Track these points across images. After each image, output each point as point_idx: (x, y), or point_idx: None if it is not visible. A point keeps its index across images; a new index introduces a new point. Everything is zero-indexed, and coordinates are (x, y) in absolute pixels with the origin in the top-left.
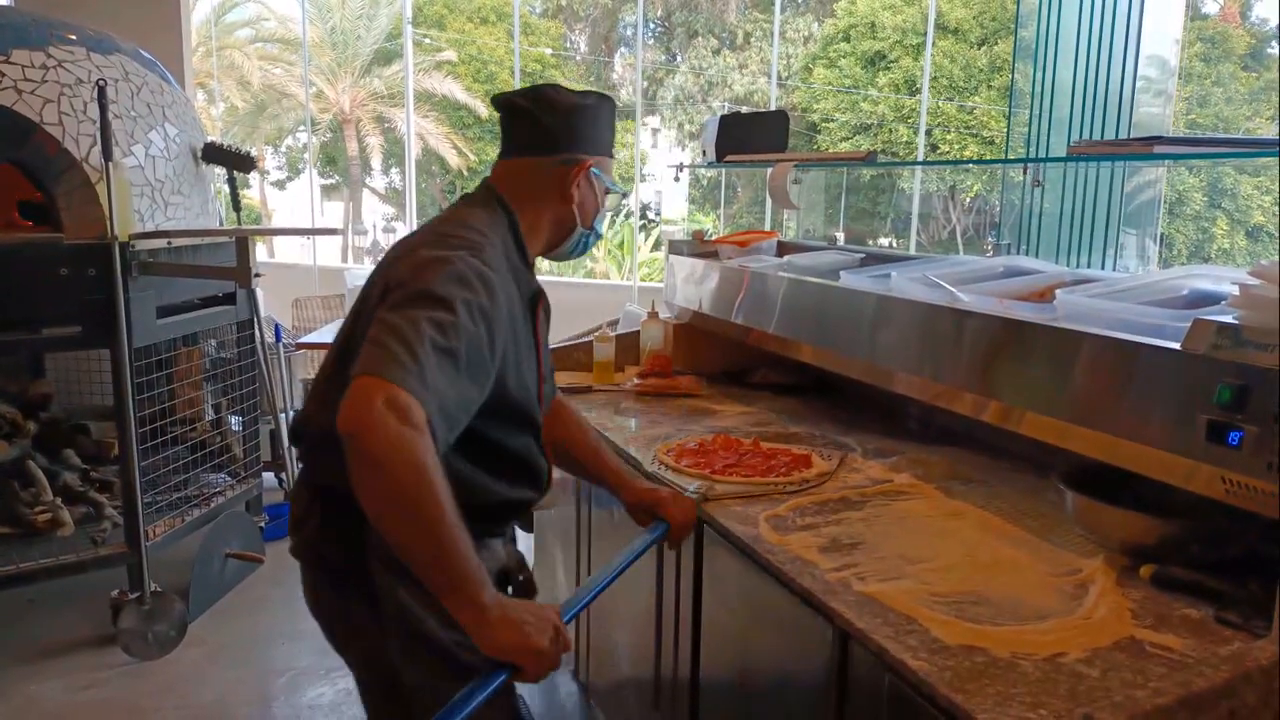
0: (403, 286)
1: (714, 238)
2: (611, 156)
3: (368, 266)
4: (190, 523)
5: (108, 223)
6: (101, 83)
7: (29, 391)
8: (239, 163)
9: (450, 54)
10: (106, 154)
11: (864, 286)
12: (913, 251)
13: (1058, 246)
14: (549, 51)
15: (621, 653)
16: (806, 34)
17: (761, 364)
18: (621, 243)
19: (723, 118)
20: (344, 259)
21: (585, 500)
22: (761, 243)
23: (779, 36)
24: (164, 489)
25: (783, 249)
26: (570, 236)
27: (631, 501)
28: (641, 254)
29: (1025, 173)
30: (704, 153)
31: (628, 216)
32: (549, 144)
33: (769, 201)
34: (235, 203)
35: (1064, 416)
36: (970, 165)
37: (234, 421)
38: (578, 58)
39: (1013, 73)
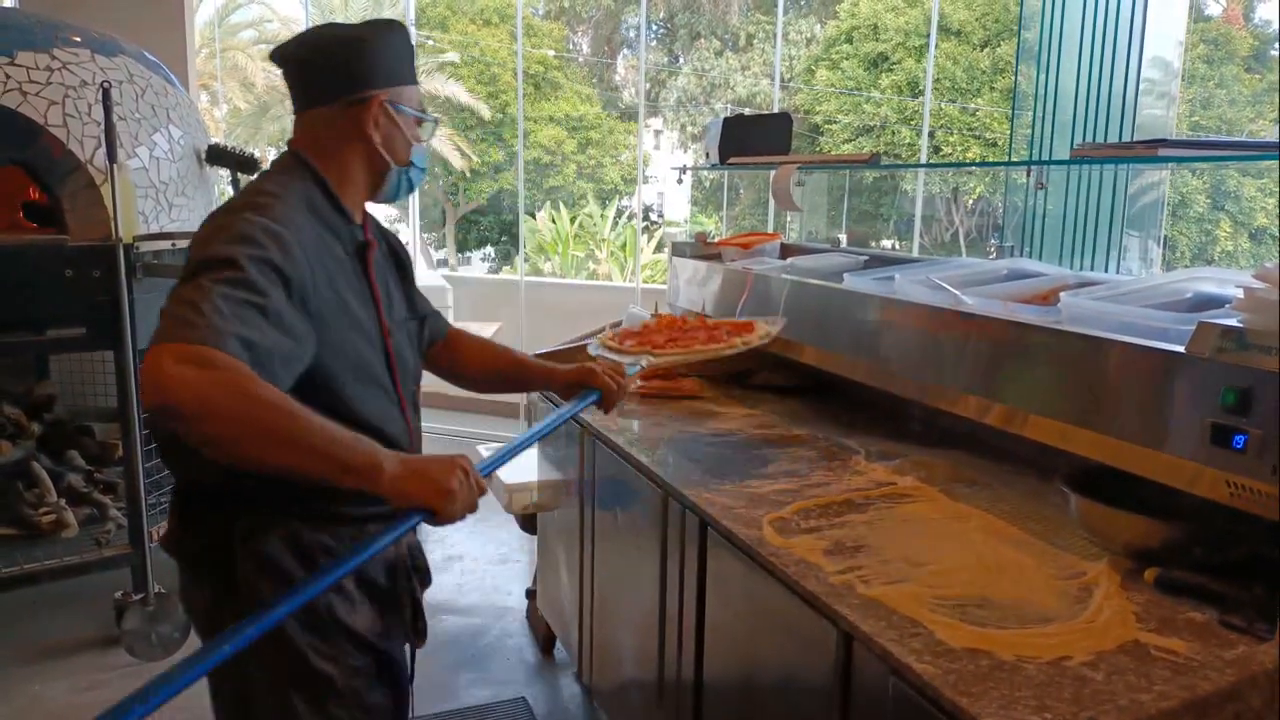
0: (189, 262)
1: (717, 240)
2: (412, 84)
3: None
4: None
5: (112, 224)
6: (106, 85)
7: (33, 393)
8: (242, 164)
9: (453, 56)
10: (111, 156)
11: (868, 289)
12: (916, 254)
13: (1061, 249)
14: (551, 53)
15: (625, 654)
16: (809, 35)
17: (763, 366)
18: (624, 244)
19: (726, 120)
20: None
21: (589, 501)
22: (765, 245)
23: (781, 38)
24: (167, 490)
25: (786, 251)
26: (387, 178)
27: (562, 384)
28: (644, 256)
29: (1029, 175)
30: (707, 155)
31: (630, 218)
32: (333, 88)
33: (771, 203)
34: None
35: (1068, 419)
36: (974, 168)
37: None
38: (580, 59)
39: (1016, 75)
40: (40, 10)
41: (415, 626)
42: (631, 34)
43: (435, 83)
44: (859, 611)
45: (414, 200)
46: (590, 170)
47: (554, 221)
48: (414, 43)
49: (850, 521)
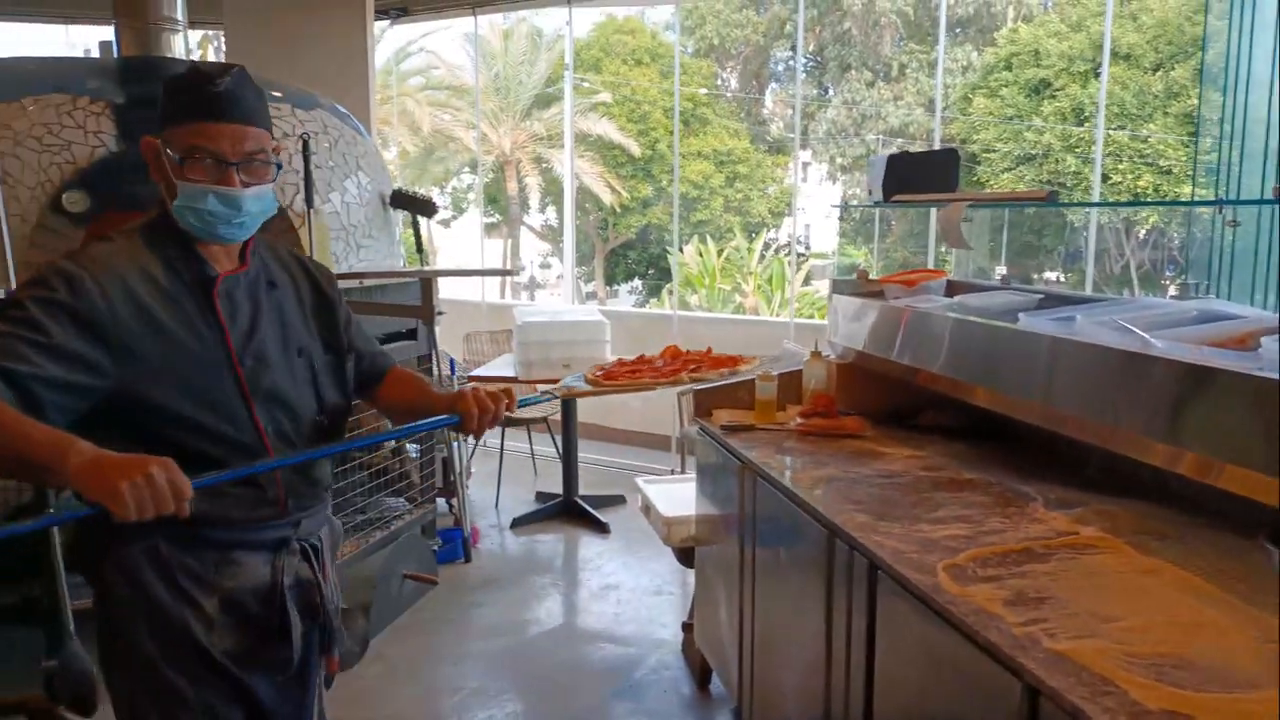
0: None
1: (865, 271)
2: (187, 124)
3: (534, 303)
4: (373, 544)
5: None
6: (306, 137)
7: None
8: (422, 207)
9: (605, 95)
10: (309, 201)
11: (1046, 330)
12: (1089, 290)
13: (1253, 288)
14: (703, 91)
15: (788, 694)
16: (965, 63)
17: (928, 406)
18: (771, 278)
19: (890, 157)
20: (502, 295)
21: (749, 538)
22: (930, 282)
23: (935, 66)
24: (349, 511)
25: (952, 288)
26: (176, 213)
27: (443, 409)
28: (793, 289)
29: (1220, 212)
30: (870, 192)
31: (777, 251)
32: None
33: (932, 236)
34: (419, 245)
35: (1271, 472)
36: (1162, 206)
37: (411, 450)
38: (728, 95)
39: (1200, 100)
40: (250, 69)
41: (305, 659)
42: (780, 68)
43: (588, 122)
44: (1045, 666)
45: (568, 235)
46: (737, 204)
47: (701, 255)
48: (215, 85)
49: (1031, 571)
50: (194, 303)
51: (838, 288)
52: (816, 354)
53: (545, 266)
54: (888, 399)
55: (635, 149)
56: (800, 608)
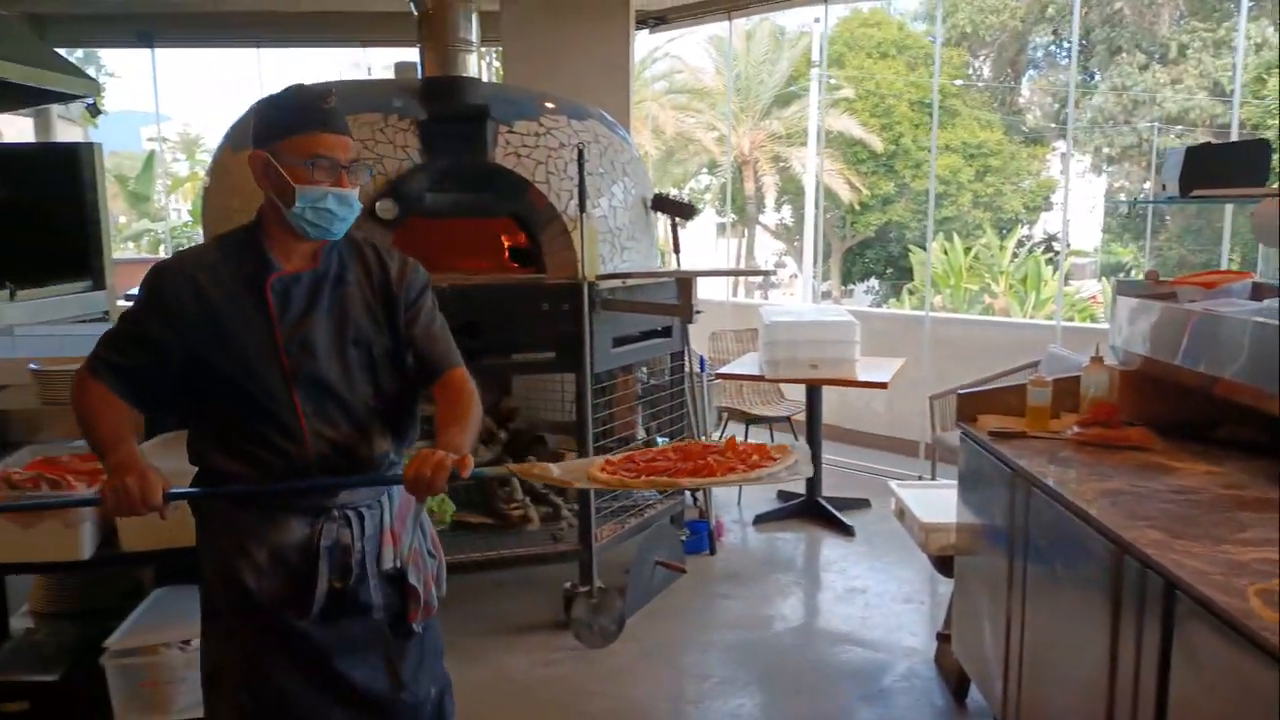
0: None
1: (1155, 272)
2: (301, 134)
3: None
4: (629, 530)
5: (579, 265)
6: (581, 146)
7: (501, 406)
8: (682, 211)
9: (848, 90)
10: (582, 206)
11: None
12: None
13: None
14: (958, 82)
15: (1060, 717)
16: (1259, 40)
17: (1226, 418)
18: (1025, 277)
19: (1189, 149)
20: (733, 293)
21: (1020, 550)
22: (1232, 284)
23: (1222, 46)
24: (606, 497)
25: (1259, 292)
26: (287, 217)
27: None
28: (1048, 289)
29: None
30: (1164, 186)
31: (1031, 250)
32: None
33: (1227, 236)
34: (676, 246)
35: None
36: None
37: (660, 441)
38: (980, 84)
39: None
40: (519, 82)
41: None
42: (1039, 54)
43: (829, 118)
44: None
45: (807, 233)
46: (988, 199)
47: (946, 253)
48: (321, 101)
49: None
50: (252, 297)
51: (1123, 289)
52: (1098, 360)
53: (780, 265)
54: (1178, 410)
55: (877, 144)
56: (1079, 625)
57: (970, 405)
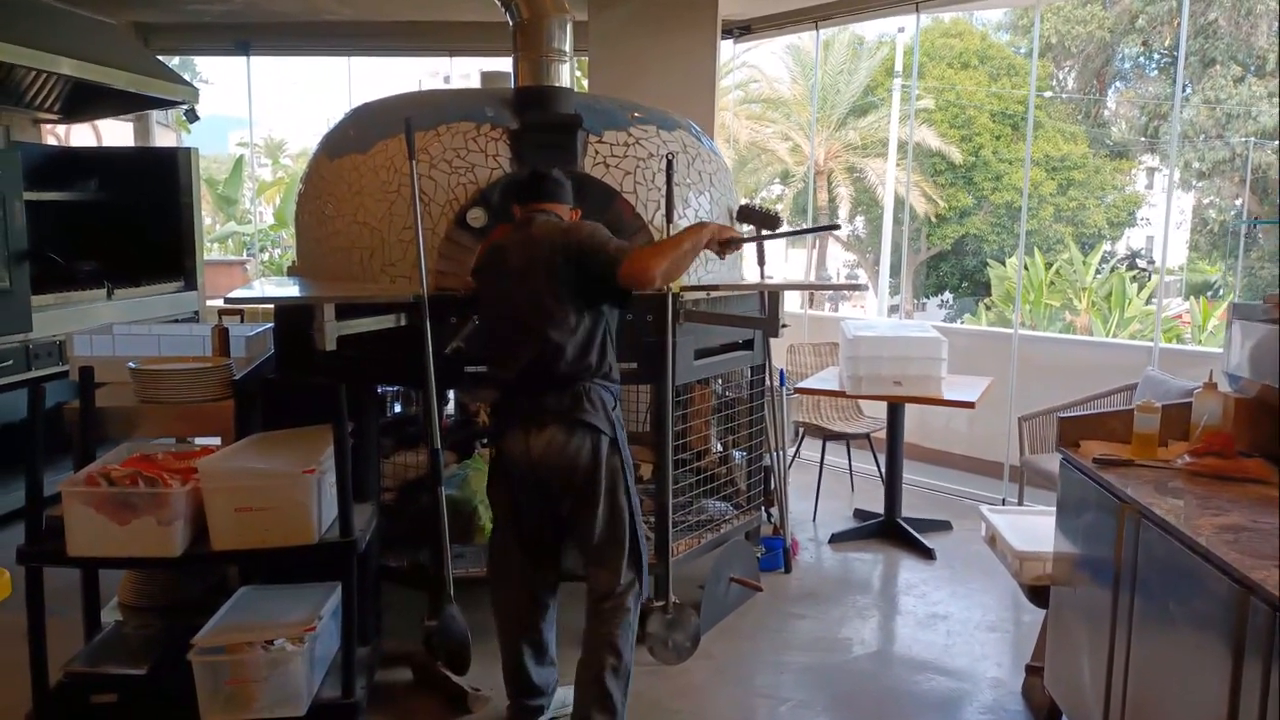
0: (595, 234)
1: (1276, 296)
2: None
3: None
4: (705, 545)
5: None
6: (670, 157)
7: None
8: (766, 221)
9: (928, 101)
10: (669, 217)
11: None
12: None
13: None
14: (1046, 94)
15: None
16: None
17: None
18: (1109, 294)
19: None
20: (803, 305)
21: (1126, 584)
22: None
23: None
24: (683, 512)
25: None
26: None
27: None
28: (1132, 307)
29: None
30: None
31: (1114, 267)
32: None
33: None
34: (761, 258)
35: None
36: None
37: (736, 455)
38: (1064, 96)
39: None
40: (602, 91)
41: None
42: (1126, 65)
43: (907, 129)
44: None
45: (884, 246)
46: (1070, 213)
47: (1027, 268)
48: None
49: None
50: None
51: (1240, 313)
52: (1211, 386)
53: (852, 277)
54: None
55: (956, 156)
56: (1194, 667)
57: (1072, 430)
